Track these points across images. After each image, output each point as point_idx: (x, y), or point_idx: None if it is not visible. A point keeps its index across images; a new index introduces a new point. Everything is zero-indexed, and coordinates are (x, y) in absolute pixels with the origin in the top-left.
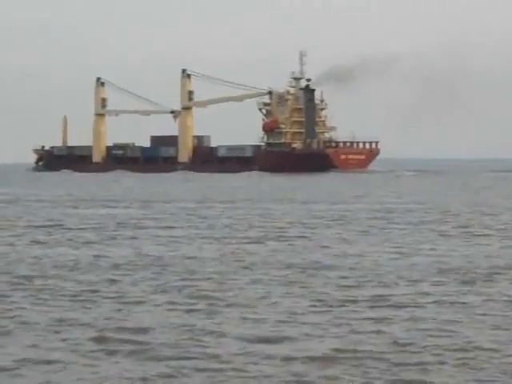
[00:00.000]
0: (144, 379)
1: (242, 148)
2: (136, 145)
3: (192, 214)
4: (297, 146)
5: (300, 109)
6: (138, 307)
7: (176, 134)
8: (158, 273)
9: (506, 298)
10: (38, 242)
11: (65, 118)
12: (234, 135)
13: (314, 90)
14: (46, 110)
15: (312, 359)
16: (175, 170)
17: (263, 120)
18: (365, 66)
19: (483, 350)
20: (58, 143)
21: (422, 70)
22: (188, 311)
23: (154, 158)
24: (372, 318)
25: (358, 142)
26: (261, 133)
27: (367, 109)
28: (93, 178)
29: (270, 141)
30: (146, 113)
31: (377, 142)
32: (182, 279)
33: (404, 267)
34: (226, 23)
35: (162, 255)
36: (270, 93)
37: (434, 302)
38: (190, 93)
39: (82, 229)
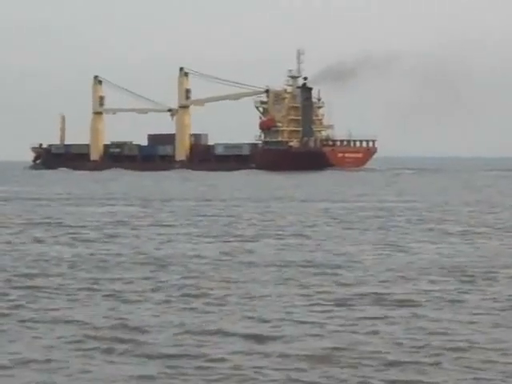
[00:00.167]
0: (141, 378)
1: (239, 146)
2: (133, 143)
3: (192, 212)
4: (294, 144)
5: (297, 107)
6: (135, 305)
7: (173, 132)
8: (157, 271)
9: (505, 297)
10: (37, 240)
11: (63, 116)
12: (231, 133)
13: (311, 89)
14: (44, 109)
15: (310, 358)
16: (172, 168)
17: (260, 118)
18: (365, 64)
19: (482, 349)
20: (56, 141)
21: (421, 68)
22: (186, 309)
23: (152, 156)
24: (371, 317)
25: (354, 141)
26: (258, 131)
27: (367, 107)
28: (91, 176)
29: (267, 139)
30: (144, 111)
31: (374, 141)
32: (181, 277)
33: (403, 265)
34: (226, 23)
35: (160, 253)
36: (267, 91)
37: (433, 300)
38: (188, 91)
39: (80, 227)
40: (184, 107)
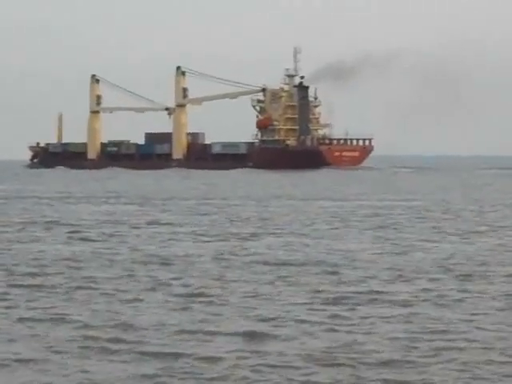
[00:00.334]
0: (140, 377)
1: (236, 145)
2: (131, 142)
3: (191, 211)
4: (290, 142)
5: (294, 106)
6: (134, 304)
7: (170, 131)
8: (156, 270)
9: (504, 296)
10: (36, 239)
11: (60, 115)
12: (228, 132)
13: (307, 87)
14: (42, 108)
15: (309, 357)
16: (169, 166)
17: (257, 117)
18: (365, 63)
19: (481, 348)
20: (54, 140)
21: (421, 68)
22: (185, 308)
23: (149, 154)
24: (370, 316)
25: (351, 139)
26: (255, 130)
27: (366, 106)
28: (89, 174)
29: (264, 138)
30: (141, 110)
31: (370, 139)
32: (180, 276)
33: (402, 264)
34: (226, 23)
35: (160, 252)
36: (263, 90)
37: (432, 299)
38: (185, 90)
39: (80, 225)
40: (181, 106)
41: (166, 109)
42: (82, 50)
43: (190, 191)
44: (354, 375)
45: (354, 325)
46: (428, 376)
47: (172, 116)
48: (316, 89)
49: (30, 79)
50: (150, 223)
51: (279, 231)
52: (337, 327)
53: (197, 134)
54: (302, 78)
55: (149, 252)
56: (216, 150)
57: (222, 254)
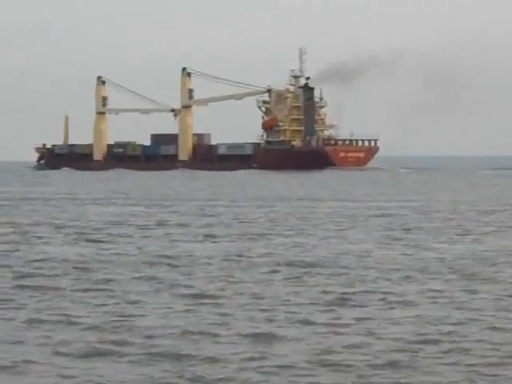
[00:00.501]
0: (146, 379)
1: (242, 146)
2: (137, 143)
3: (199, 212)
4: (296, 143)
5: (299, 107)
6: (140, 306)
7: (176, 132)
8: (162, 270)
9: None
10: (44, 240)
11: (66, 116)
12: (233, 133)
13: (313, 88)
14: (47, 109)
15: (314, 359)
16: (175, 168)
17: (263, 118)
18: (369, 64)
19: (485, 349)
20: (60, 142)
21: (422, 68)
22: (190, 310)
23: (155, 156)
24: (376, 317)
25: (356, 140)
26: (260, 131)
27: (369, 107)
28: (96, 175)
29: (270, 139)
30: (147, 111)
31: (376, 140)
32: (186, 277)
33: (411, 265)
34: (226, 23)
35: (167, 253)
36: (269, 91)
37: (438, 300)
38: (190, 91)
39: (87, 227)
40: (187, 107)
41: (172, 110)
42: (82, 50)
43: (197, 192)
44: (361, 377)
45: (361, 326)
46: (436, 378)
47: (178, 117)
48: (321, 90)
49: (30, 79)
50: (157, 224)
51: (287, 232)
52: (343, 329)
53: (202, 135)
54: (308, 78)
55: (156, 253)
56: (222, 151)
57: (229, 254)
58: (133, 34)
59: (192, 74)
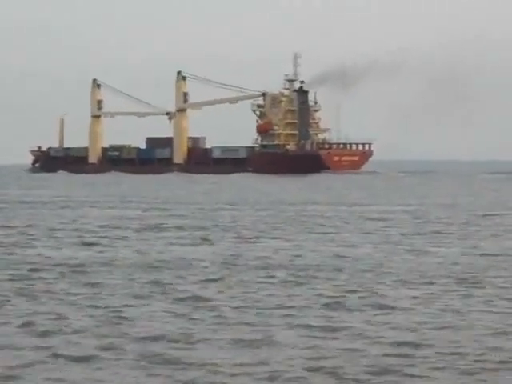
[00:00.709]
0: None
1: (236, 149)
2: (132, 146)
3: (197, 216)
4: (290, 147)
5: (293, 110)
6: (137, 310)
7: (171, 135)
8: (159, 274)
9: (508, 304)
10: (44, 243)
11: (61, 119)
12: (228, 137)
13: (307, 92)
14: (43, 109)
15: (309, 364)
16: (170, 171)
17: (257, 122)
18: (370, 68)
19: (477, 354)
20: (55, 144)
21: (422, 69)
22: (186, 314)
23: (150, 159)
24: (372, 322)
25: (351, 144)
26: (255, 134)
27: (368, 110)
28: (92, 178)
29: (264, 142)
30: (142, 114)
31: (370, 144)
32: (182, 282)
33: (404, 269)
34: (226, 23)
35: (165, 257)
36: (263, 94)
37: (432, 305)
38: (185, 95)
39: (85, 230)
40: (182, 111)
41: (167, 113)
42: (82, 50)
43: (195, 195)
44: (356, 381)
45: (356, 331)
46: (431, 383)
47: (173, 121)
48: (316, 93)
49: (30, 79)
50: (155, 227)
51: (283, 236)
52: (339, 333)
53: (198, 138)
54: (302, 82)
55: (152, 256)
56: (216, 154)
57: (225, 258)
58: (133, 34)
59: (187, 78)
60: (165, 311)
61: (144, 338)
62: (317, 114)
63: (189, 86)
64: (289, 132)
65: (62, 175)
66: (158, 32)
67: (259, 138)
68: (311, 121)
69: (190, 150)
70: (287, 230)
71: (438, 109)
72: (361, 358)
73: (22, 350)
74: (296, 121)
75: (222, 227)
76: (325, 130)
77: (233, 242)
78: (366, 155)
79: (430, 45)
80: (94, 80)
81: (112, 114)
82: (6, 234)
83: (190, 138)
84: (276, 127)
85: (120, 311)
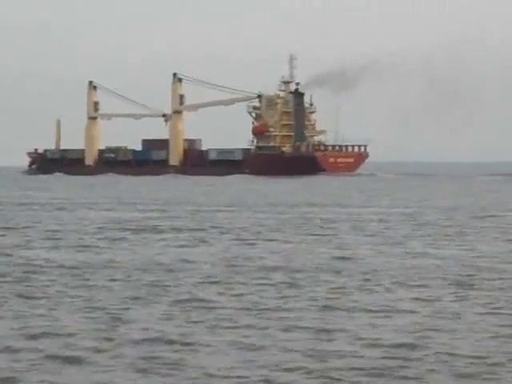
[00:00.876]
0: None
1: (232, 151)
2: (128, 148)
3: (195, 217)
4: (286, 149)
5: (289, 112)
6: (134, 313)
7: (167, 137)
8: (158, 276)
9: (506, 307)
10: (43, 246)
11: (58, 121)
12: (224, 138)
13: (303, 94)
14: (42, 109)
15: (302, 366)
16: (166, 173)
17: (253, 123)
18: (368, 69)
19: (473, 357)
20: (51, 145)
21: (422, 70)
22: (182, 317)
23: (146, 161)
24: (368, 324)
25: (346, 146)
26: (251, 136)
27: (367, 110)
28: (88, 180)
29: (260, 144)
30: (138, 116)
31: (366, 146)
32: (180, 284)
33: (402, 272)
34: (226, 23)
35: (165, 259)
36: (259, 96)
37: (429, 307)
38: (181, 97)
39: (83, 231)
40: (178, 112)
41: (163, 115)
42: (82, 50)
43: (194, 197)
44: None
45: (353, 333)
46: None
47: (169, 122)
48: (311, 95)
49: (30, 80)
50: (153, 229)
51: (283, 237)
52: (335, 334)
53: (194, 140)
54: (298, 84)
55: (150, 258)
56: (212, 156)
57: (223, 260)
58: (133, 34)
59: (183, 80)
60: (162, 313)
61: (141, 340)
62: (312, 116)
63: (185, 88)
64: (284, 134)
65: (58, 177)
66: (157, 32)
67: (255, 140)
68: (307, 123)
69: (186, 152)
70: (285, 231)
71: (437, 109)
72: (358, 361)
73: (17, 353)
74: (292, 123)
75: (220, 229)
76: (320, 132)
77: (231, 243)
78: (361, 157)
79: (430, 45)
80: (91, 82)
81: (108, 116)
82: (4, 235)
83: (185, 139)
84: (272, 129)
85: (117, 313)
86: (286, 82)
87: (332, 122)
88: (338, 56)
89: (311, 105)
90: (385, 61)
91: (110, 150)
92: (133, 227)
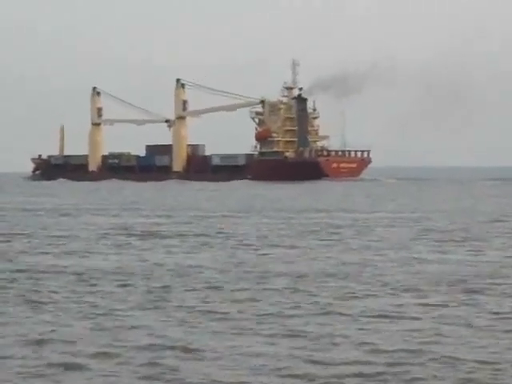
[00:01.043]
0: None
1: (235, 157)
2: (131, 154)
3: (200, 223)
4: (289, 154)
5: (292, 118)
6: (135, 320)
7: (170, 143)
8: (160, 283)
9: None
10: (45, 252)
11: (62, 127)
12: (227, 144)
13: (306, 99)
14: (43, 117)
15: (304, 372)
16: (169, 178)
17: (256, 129)
18: (369, 75)
19: (477, 363)
20: (54, 150)
21: (421, 76)
22: (188, 324)
23: (149, 166)
24: (373, 330)
25: (349, 151)
26: (254, 142)
27: (368, 116)
28: (92, 186)
29: (263, 150)
30: (141, 122)
31: (368, 151)
32: (186, 290)
33: (405, 277)
34: (226, 23)
35: (168, 265)
36: (262, 102)
37: (432, 313)
38: (185, 102)
39: (90, 238)
40: (181, 118)
41: (166, 121)
42: (82, 51)
43: (199, 203)
44: None
45: (355, 338)
46: None
47: (172, 128)
48: (315, 101)
49: (30, 81)
50: (158, 235)
51: (289, 243)
52: (337, 340)
53: (197, 146)
54: (301, 89)
55: (156, 264)
56: (215, 161)
57: (229, 265)
58: (133, 34)
59: (186, 86)
60: (167, 319)
61: (146, 347)
62: (316, 122)
63: (188, 94)
64: (288, 139)
65: (62, 183)
66: (157, 32)
67: (258, 146)
68: (310, 128)
69: (189, 158)
70: (291, 236)
71: (436, 114)
72: (363, 367)
73: (22, 359)
74: (295, 128)
75: (225, 234)
76: (324, 137)
77: (236, 249)
78: (364, 162)
79: (429, 50)
80: (94, 88)
81: (111, 122)
82: (10, 241)
83: (189, 145)
84: (275, 134)
85: (122, 319)
86: (289, 88)
87: (335, 128)
88: (339, 57)
89: (314, 110)
90: (383, 66)
91: (113, 155)
92: (138, 233)
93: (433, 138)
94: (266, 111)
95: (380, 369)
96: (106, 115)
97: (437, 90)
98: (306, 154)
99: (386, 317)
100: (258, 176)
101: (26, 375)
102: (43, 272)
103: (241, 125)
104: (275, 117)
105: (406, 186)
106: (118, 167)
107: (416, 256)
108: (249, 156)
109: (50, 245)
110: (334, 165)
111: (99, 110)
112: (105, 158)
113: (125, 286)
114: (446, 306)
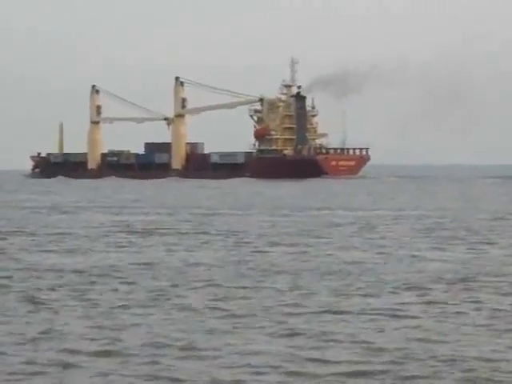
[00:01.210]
0: None
1: (234, 155)
2: (130, 151)
3: (203, 221)
4: (288, 152)
5: (291, 116)
6: (136, 318)
7: (169, 141)
8: (160, 281)
9: (507, 310)
10: (47, 250)
11: (61, 125)
12: (226, 142)
13: (305, 97)
14: (42, 116)
15: (302, 371)
16: (168, 176)
17: (255, 127)
18: (370, 74)
19: (478, 361)
20: (53, 148)
21: (421, 76)
22: (191, 323)
23: (148, 164)
24: (374, 328)
25: (348, 149)
26: (253, 140)
27: (368, 114)
28: (92, 184)
29: (262, 147)
30: (140, 120)
31: (367, 149)
32: (186, 287)
33: (406, 275)
34: (226, 23)
35: (172, 263)
36: (261, 100)
37: (431, 311)
38: (184, 100)
39: (91, 236)
40: (180, 116)
41: (165, 119)
42: (81, 50)
43: (200, 201)
44: None
45: (354, 337)
46: None
47: (171, 126)
48: (313, 99)
49: (30, 81)
50: (160, 233)
51: (289, 241)
52: (336, 337)
53: (196, 143)
54: (299, 87)
55: (159, 262)
56: (214, 159)
57: (232, 263)
58: (132, 34)
59: (185, 84)
60: (167, 318)
61: (146, 345)
62: (314, 119)
63: (187, 92)
64: (286, 137)
65: (61, 181)
66: (157, 32)
67: (257, 143)
68: (309, 126)
69: (188, 156)
70: (291, 234)
71: (435, 112)
72: (364, 365)
73: (18, 357)
74: (293, 126)
75: (225, 232)
76: (322, 135)
77: (236, 247)
78: (363, 160)
79: (429, 50)
80: (93, 86)
81: (111, 120)
82: (10, 239)
83: (188, 143)
84: (273, 132)
85: (122, 317)
86: (288, 86)
87: (334, 126)
88: (339, 57)
89: (313, 108)
90: (384, 66)
91: (112, 153)
92: (139, 231)
93: (433, 137)
94: (264, 109)
95: (380, 367)
96: (105, 113)
97: (437, 90)
98: (305, 152)
99: (386, 315)
100: (257, 174)
101: (26, 373)
102: (43, 270)
103: (240, 123)
104: (274, 115)
105: (406, 183)
106: (118, 165)
107: (417, 254)
108: (248, 154)
109: (50, 242)
110: (333, 162)
111: (98, 108)
112: (104, 155)
113: (125, 283)
114: (447, 303)
